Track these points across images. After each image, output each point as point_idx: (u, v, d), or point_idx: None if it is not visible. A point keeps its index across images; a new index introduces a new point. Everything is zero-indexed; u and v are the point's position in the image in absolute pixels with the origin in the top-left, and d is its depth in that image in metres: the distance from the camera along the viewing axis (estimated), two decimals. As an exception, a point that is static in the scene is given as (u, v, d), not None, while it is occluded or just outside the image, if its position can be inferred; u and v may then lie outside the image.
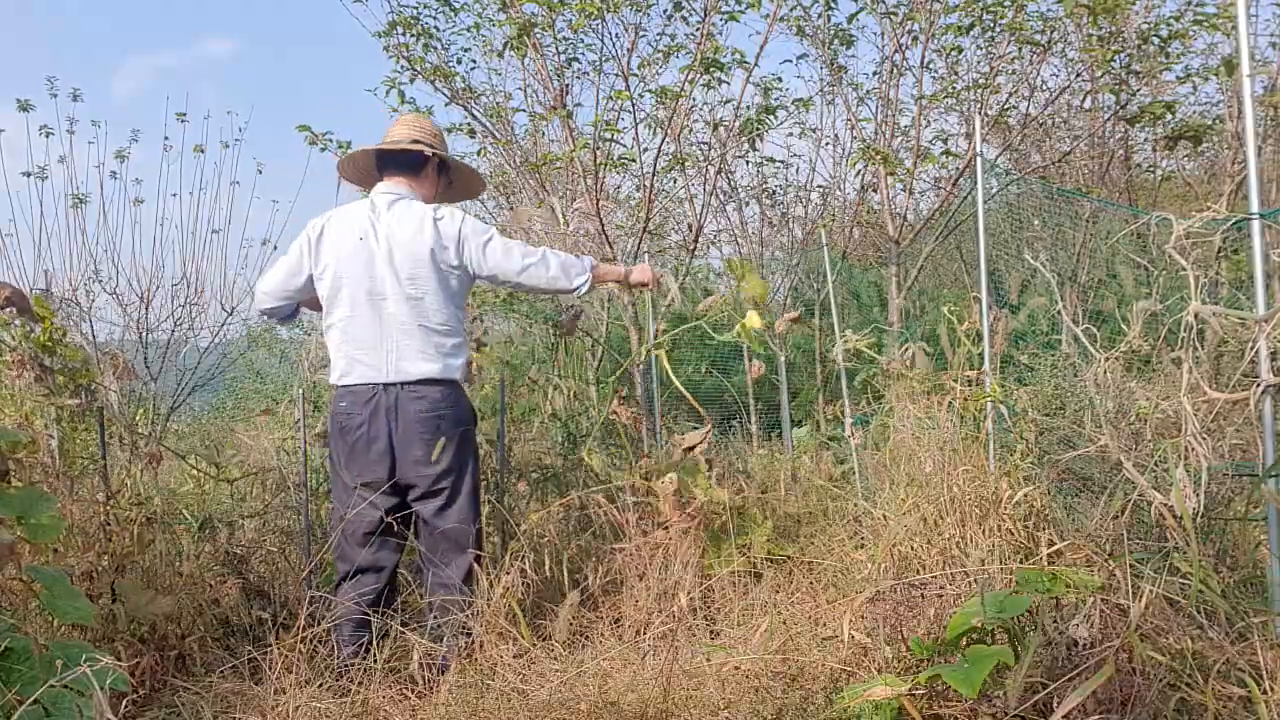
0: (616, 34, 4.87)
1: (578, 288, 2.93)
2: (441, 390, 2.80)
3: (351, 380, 2.81)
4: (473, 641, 2.70)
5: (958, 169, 5.98)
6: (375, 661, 2.52)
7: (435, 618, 2.74)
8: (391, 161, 2.95)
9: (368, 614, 2.74)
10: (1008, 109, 5.88)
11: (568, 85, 5.62)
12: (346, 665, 2.64)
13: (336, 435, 2.84)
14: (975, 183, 3.60)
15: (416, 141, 2.93)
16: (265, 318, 3.08)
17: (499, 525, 3.50)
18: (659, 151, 4.91)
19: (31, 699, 1.62)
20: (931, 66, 5.85)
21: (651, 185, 5.04)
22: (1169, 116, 5.55)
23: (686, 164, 5.95)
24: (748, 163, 7.81)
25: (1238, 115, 6.27)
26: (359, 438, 2.77)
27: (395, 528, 2.84)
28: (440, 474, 2.79)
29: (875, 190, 6.47)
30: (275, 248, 5.57)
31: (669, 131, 4.84)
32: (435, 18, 5.35)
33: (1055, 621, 2.26)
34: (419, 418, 2.76)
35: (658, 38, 5.31)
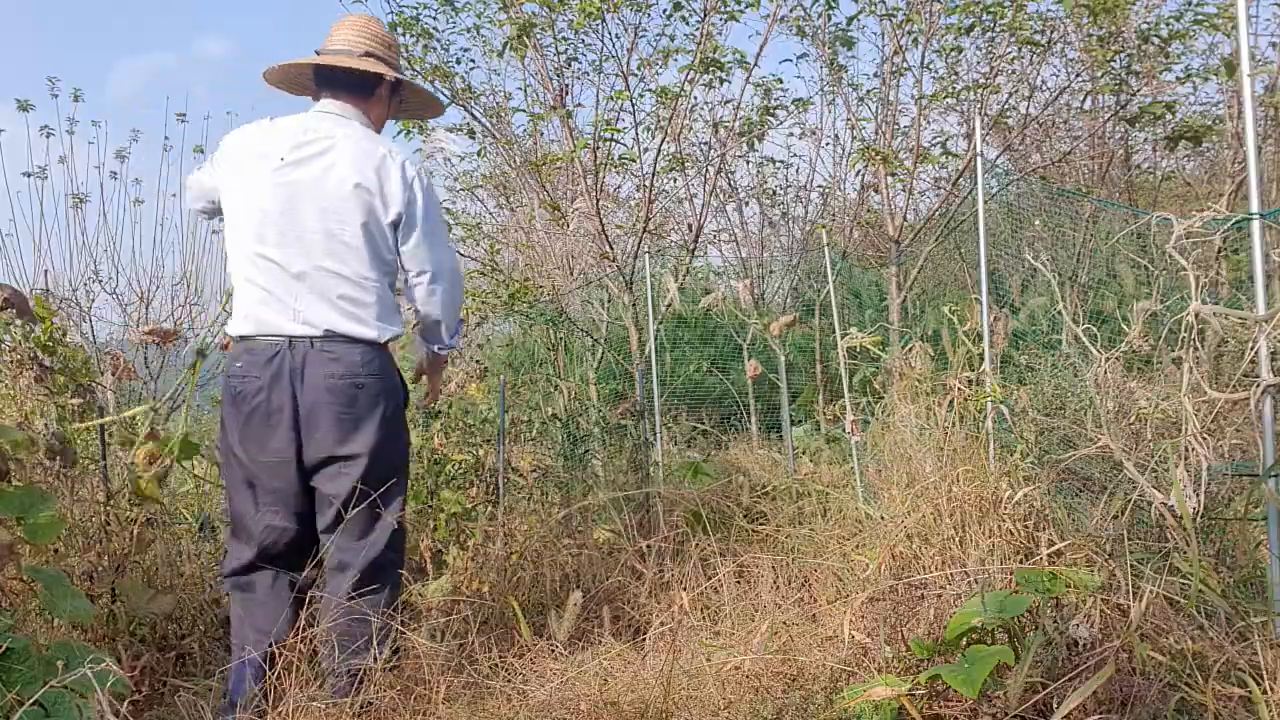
0: (616, 34, 4.87)
1: (441, 341, 2.53)
2: (362, 352, 2.29)
3: (249, 330, 2.30)
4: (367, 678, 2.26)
5: (958, 169, 5.98)
6: (375, 661, 2.52)
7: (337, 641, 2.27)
8: (337, 79, 2.41)
9: (269, 630, 2.29)
10: (1008, 109, 5.88)
11: (568, 85, 5.63)
12: (238, 699, 2.23)
13: (229, 404, 2.31)
14: (975, 183, 3.60)
15: (369, 55, 2.39)
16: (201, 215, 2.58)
17: (500, 526, 3.51)
18: (659, 152, 4.91)
19: (32, 699, 1.62)
20: (931, 67, 5.85)
21: (651, 185, 5.03)
22: (1169, 117, 5.56)
23: (686, 164, 5.95)
24: (748, 163, 7.83)
25: (1238, 115, 6.27)
26: (256, 407, 2.26)
27: (299, 541, 2.36)
28: (354, 455, 2.29)
29: (875, 190, 6.47)
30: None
31: (669, 131, 4.84)
32: (435, 18, 5.35)
33: (1055, 621, 2.26)
34: (330, 384, 2.25)
35: (658, 38, 5.32)
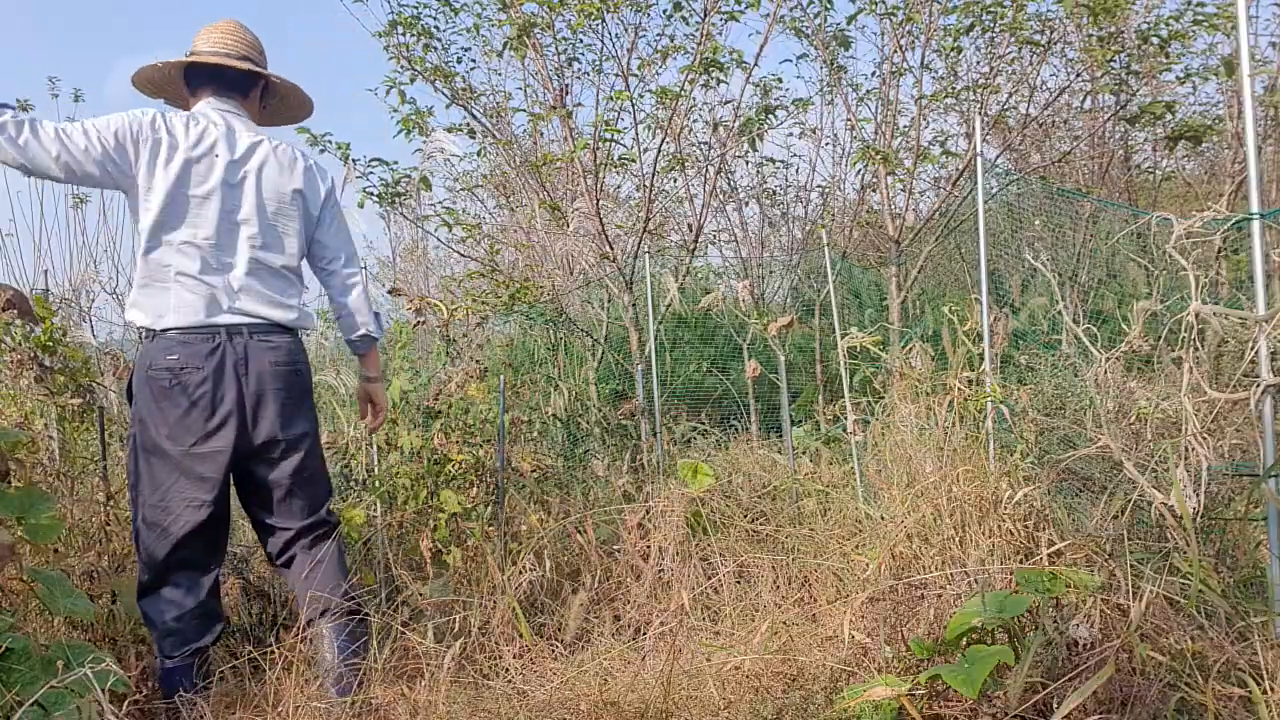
0: (616, 34, 4.88)
1: (372, 332, 2.64)
2: (292, 341, 2.48)
3: (182, 321, 2.30)
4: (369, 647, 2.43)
5: (958, 169, 5.98)
6: (375, 661, 2.52)
7: (335, 631, 2.41)
8: (215, 78, 2.49)
9: (205, 623, 2.36)
10: (1008, 109, 5.88)
11: (568, 85, 5.63)
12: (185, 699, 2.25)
13: (160, 397, 2.29)
14: (975, 183, 3.60)
15: (247, 59, 2.51)
16: (16, 153, 2.16)
17: (500, 526, 3.51)
18: (659, 151, 4.91)
19: (32, 699, 1.62)
20: (931, 67, 5.85)
21: (651, 185, 5.04)
22: (1169, 116, 5.56)
23: (686, 164, 5.95)
24: (747, 163, 7.82)
25: (1238, 115, 6.27)
26: (200, 398, 2.29)
27: (219, 526, 2.40)
28: (299, 435, 2.44)
29: (875, 190, 6.47)
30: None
31: (669, 131, 4.84)
32: (435, 18, 5.35)
33: (1055, 621, 2.27)
34: (274, 371, 2.38)
35: (657, 38, 5.31)
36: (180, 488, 2.31)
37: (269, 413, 2.38)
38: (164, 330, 2.32)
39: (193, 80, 2.52)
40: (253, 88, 2.57)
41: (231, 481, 2.44)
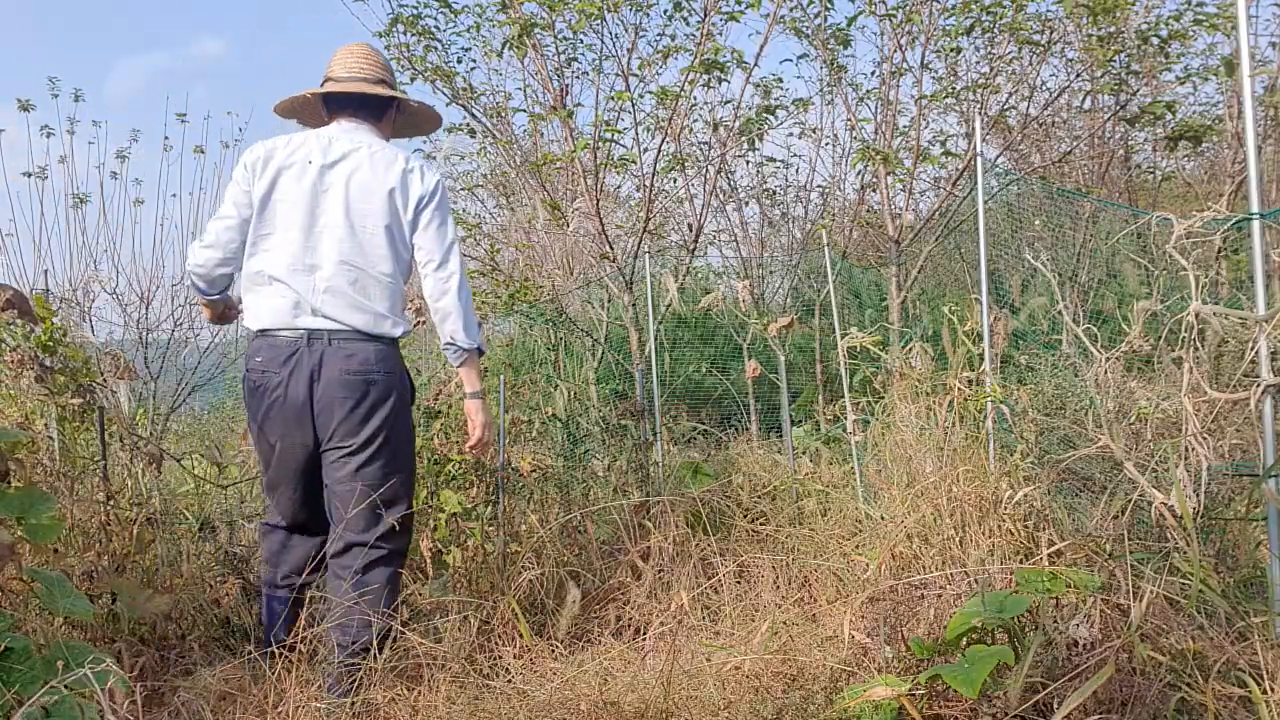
0: (616, 34, 4.87)
1: (459, 342, 2.56)
2: (376, 349, 2.45)
3: (270, 323, 2.44)
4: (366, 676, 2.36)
5: (958, 169, 5.98)
6: (375, 661, 2.52)
7: (340, 631, 2.40)
8: (351, 102, 2.60)
9: (294, 585, 2.55)
10: (1008, 109, 5.88)
11: (568, 85, 5.64)
12: (276, 637, 2.49)
13: (250, 396, 2.48)
14: (975, 183, 3.60)
15: (383, 82, 2.61)
16: (196, 287, 2.60)
17: (500, 526, 3.51)
18: (659, 152, 4.91)
19: (32, 699, 1.62)
20: (931, 67, 5.85)
21: (651, 185, 5.04)
22: (1169, 117, 5.56)
23: (686, 164, 5.95)
24: (748, 163, 7.82)
25: (1238, 115, 6.27)
26: (275, 401, 2.42)
27: (315, 519, 2.58)
28: (362, 444, 2.44)
29: (875, 190, 6.47)
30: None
31: (669, 132, 4.84)
32: (435, 18, 5.35)
33: (1055, 621, 2.27)
34: (344, 379, 2.40)
35: (658, 38, 5.32)
36: (279, 470, 2.51)
37: (334, 419, 2.42)
38: (258, 331, 2.47)
39: (330, 104, 2.63)
40: (387, 109, 2.65)
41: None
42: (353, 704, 2.32)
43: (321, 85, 2.63)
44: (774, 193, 8.25)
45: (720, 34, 4.69)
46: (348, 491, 2.45)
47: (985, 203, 3.52)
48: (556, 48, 5.48)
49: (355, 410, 2.42)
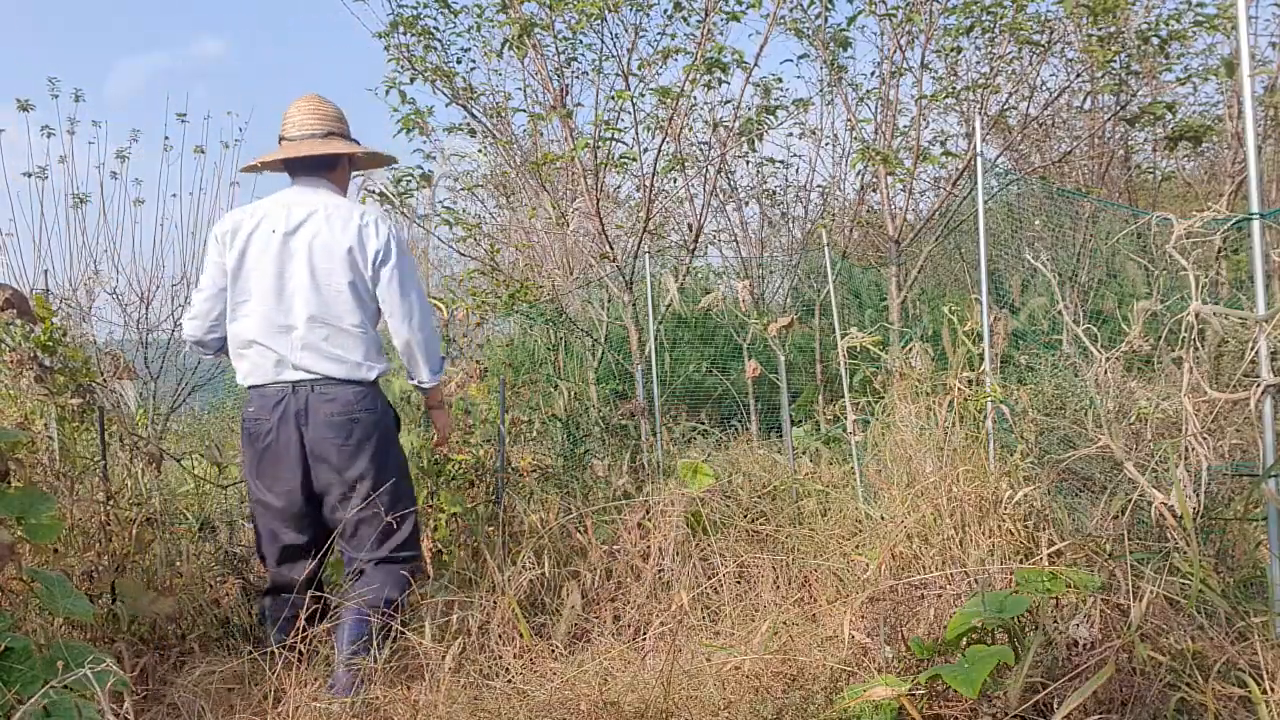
0: (616, 34, 4.87)
1: (422, 375, 2.80)
2: (355, 391, 2.65)
3: (258, 380, 2.66)
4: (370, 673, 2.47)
5: (958, 169, 5.98)
6: (376, 661, 2.52)
7: (349, 631, 2.56)
8: (304, 164, 2.77)
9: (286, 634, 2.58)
10: (1008, 109, 5.88)
11: (568, 85, 5.63)
12: (276, 638, 2.57)
13: (246, 444, 2.70)
14: (975, 183, 3.60)
15: (331, 135, 2.76)
16: (198, 351, 2.94)
17: (500, 526, 3.51)
18: (659, 151, 4.91)
19: (32, 699, 1.62)
20: (931, 67, 5.85)
21: (651, 185, 5.04)
22: (1169, 117, 5.56)
23: (686, 164, 5.95)
24: (748, 163, 7.82)
25: (1238, 115, 6.28)
26: (268, 445, 2.63)
27: (310, 550, 2.72)
28: (357, 478, 2.64)
29: (875, 190, 6.47)
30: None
31: (669, 131, 4.84)
32: (435, 18, 5.35)
33: (1055, 621, 2.27)
34: (330, 422, 2.61)
35: (658, 38, 5.31)
36: (271, 517, 2.69)
37: (328, 458, 2.63)
38: (249, 386, 2.70)
39: (287, 165, 2.80)
40: (339, 161, 2.82)
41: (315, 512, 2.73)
42: (353, 703, 2.33)
43: (278, 143, 2.80)
44: (774, 193, 8.25)
45: (720, 34, 4.69)
46: (354, 521, 2.66)
47: (985, 203, 3.52)
48: (556, 48, 5.48)
49: (344, 447, 2.63)
